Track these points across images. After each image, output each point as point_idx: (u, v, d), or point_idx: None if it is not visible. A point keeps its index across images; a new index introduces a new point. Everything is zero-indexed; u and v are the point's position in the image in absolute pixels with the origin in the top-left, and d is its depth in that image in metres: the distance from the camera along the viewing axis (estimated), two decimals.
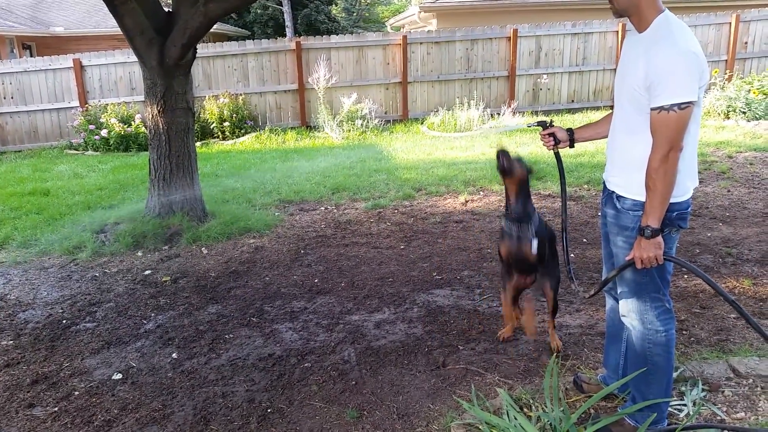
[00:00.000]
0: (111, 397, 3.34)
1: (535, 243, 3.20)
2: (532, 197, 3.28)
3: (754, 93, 10.98)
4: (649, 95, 2.24)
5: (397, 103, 13.43)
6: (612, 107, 2.73)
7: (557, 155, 3.02)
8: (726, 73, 13.12)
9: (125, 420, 3.11)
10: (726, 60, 13.55)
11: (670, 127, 2.19)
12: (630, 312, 2.56)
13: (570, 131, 2.91)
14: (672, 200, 2.30)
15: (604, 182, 2.68)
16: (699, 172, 2.49)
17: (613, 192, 2.53)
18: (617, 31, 13.24)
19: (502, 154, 3.11)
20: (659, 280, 2.47)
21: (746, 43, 13.70)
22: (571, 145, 2.95)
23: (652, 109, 2.23)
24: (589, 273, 4.65)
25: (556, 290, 3.45)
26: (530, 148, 9.73)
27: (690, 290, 4.24)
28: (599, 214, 2.86)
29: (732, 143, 9.19)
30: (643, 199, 2.36)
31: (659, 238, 2.31)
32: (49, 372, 3.63)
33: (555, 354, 3.40)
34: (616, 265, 2.58)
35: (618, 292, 2.64)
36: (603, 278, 2.88)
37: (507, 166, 3.10)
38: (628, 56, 2.41)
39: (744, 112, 10.92)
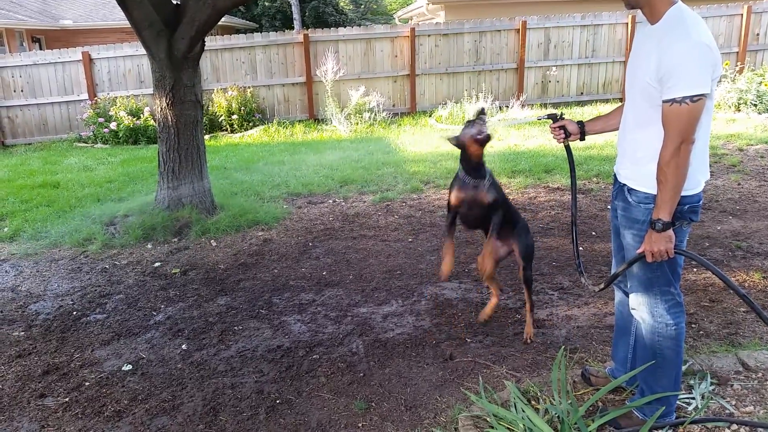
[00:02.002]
0: (121, 387, 3.37)
1: (488, 193, 3.30)
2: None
3: (765, 85, 10.87)
4: (662, 87, 2.22)
5: (405, 95, 13.40)
6: (622, 100, 2.71)
7: (567, 148, 3.01)
8: (737, 65, 13.00)
9: (135, 410, 3.14)
10: (737, 52, 13.42)
11: (682, 119, 2.17)
12: (640, 305, 2.56)
13: (580, 124, 2.89)
14: (683, 193, 2.28)
15: (614, 175, 2.67)
16: (709, 165, 2.46)
17: (624, 185, 2.51)
18: (627, 23, 13.14)
19: (472, 125, 3.23)
20: (670, 273, 2.46)
21: (758, 34, 13.56)
22: (582, 138, 2.93)
23: (664, 102, 2.21)
24: (598, 266, 4.64)
25: (527, 258, 3.49)
26: (539, 140, 9.69)
27: (699, 283, 4.22)
28: (609, 207, 2.85)
29: (743, 136, 9.11)
30: (654, 192, 2.34)
31: (670, 232, 2.29)
32: (60, 363, 3.67)
33: (525, 341, 3.55)
34: (627, 259, 2.57)
35: (628, 285, 2.64)
36: (612, 272, 2.87)
37: (485, 137, 3.20)
38: (640, 48, 2.39)
39: (755, 105, 10.82)
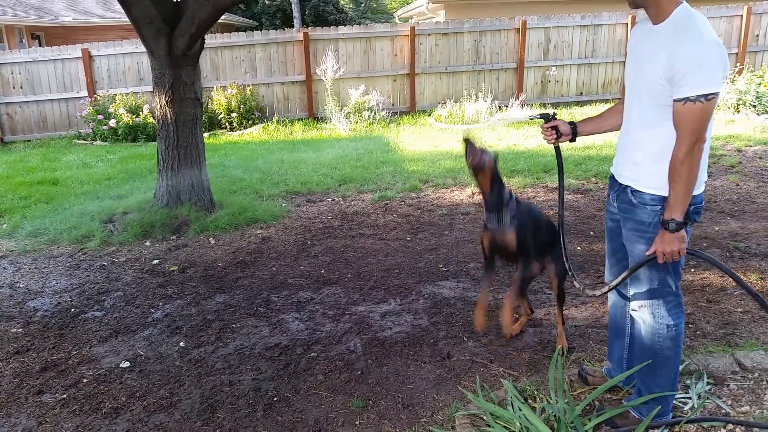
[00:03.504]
0: (119, 384, 3.37)
1: (512, 232, 3.15)
2: (506, 185, 3.20)
3: (764, 86, 10.88)
4: (672, 87, 2.19)
5: (405, 94, 13.40)
6: (620, 100, 2.70)
7: (557, 149, 2.95)
8: (737, 66, 13.00)
9: (133, 407, 3.14)
10: (737, 53, 13.42)
11: (695, 118, 2.15)
12: (642, 306, 2.54)
13: (573, 125, 2.84)
14: None
15: (611, 177, 2.64)
16: (708, 166, 2.45)
17: (627, 186, 2.48)
18: (627, 24, 13.14)
19: (469, 147, 3.04)
20: (673, 274, 2.45)
21: (757, 35, 13.57)
22: (572, 139, 2.88)
23: (676, 101, 2.19)
24: (596, 266, 4.64)
25: (562, 277, 3.37)
26: (538, 140, 9.69)
27: (697, 284, 4.23)
28: (607, 209, 2.83)
29: (741, 137, 9.13)
30: (661, 193, 2.33)
31: (683, 232, 2.27)
32: (58, 359, 3.67)
33: (561, 353, 3.33)
34: (631, 261, 2.54)
35: (628, 286, 2.62)
36: (606, 274, 2.85)
37: (478, 161, 3.03)
38: (643, 48, 2.35)
39: (754, 106, 10.83)
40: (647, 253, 2.39)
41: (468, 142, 3.07)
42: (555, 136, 2.85)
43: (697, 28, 2.17)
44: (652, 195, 2.38)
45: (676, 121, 2.21)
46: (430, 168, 8.13)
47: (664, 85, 2.23)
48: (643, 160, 2.41)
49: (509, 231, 3.16)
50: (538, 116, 2.94)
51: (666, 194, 2.33)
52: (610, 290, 2.67)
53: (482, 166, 3.06)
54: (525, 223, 3.21)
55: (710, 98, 2.13)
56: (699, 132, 2.17)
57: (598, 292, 2.73)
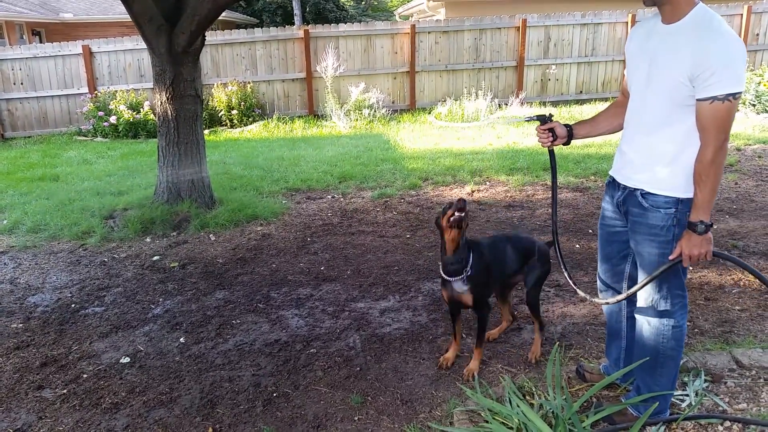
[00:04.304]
0: (119, 380, 3.38)
1: (467, 290, 3.03)
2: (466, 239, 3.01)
3: (764, 85, 10.88)
4: (695, 86, 2.16)
5: (405, 92, 13.40)
6: (614, 102, 2.68)
7: (552, 153, 2.88)
8: None
9: (133, 402, 3.16)
10: None
11: (722, 117, 2.13)
12: (649, 308, 2.51)
13: (569, 127, 2.76)
14: None
15: (612, 181, 2.60)
16: None
17: (636, 189, 2.43)
18: (627, 22, 13.13)
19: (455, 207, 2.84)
20: (682, 276, 2.44)
21: (757, 34, 13.58)
22: (567, 143, 2.81)
23: (700, 100, 2.15)
24: (594, 264, 4.62)
25: (534, 286, 3.30)
26: (536, 139, 9.69)
27: (695, 282, 4.25)
28: (602, 215, 2.81)
29: (741, 136, 9.13)
30: (676, 194, 2.30)
31: (710, 234, 2.24)
32: (58, 355, 3.69)
33: (533, 362, 3.31)
34: (641, 266, 2.50)
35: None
36: (600, 278, 2.83)
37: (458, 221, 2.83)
38: (660, 48, 2.29)
39: (753, 105, 10.85)
40: (671, 258, 2.33)
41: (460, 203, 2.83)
42: (551, 138, 2.77)
43: (721, 27, 2.14)
44: (667, 197, 2.33)
45: (701, 122, 2.18)
46: (429, 166, 8.13)
47: (686, 84, 2.18)
48: (656, 162, 2.35)
49: (466, 293, 3.04)
50: (534, 117, 2.83)
51: (680, 196, 2.31)
52: (625, 298, 2.61)
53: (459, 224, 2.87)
54: (481, 282, 3.07)
55: (737, 97, 2.11)
56: (726, 131, 2.15)
57: (612, 300, 2.66)
